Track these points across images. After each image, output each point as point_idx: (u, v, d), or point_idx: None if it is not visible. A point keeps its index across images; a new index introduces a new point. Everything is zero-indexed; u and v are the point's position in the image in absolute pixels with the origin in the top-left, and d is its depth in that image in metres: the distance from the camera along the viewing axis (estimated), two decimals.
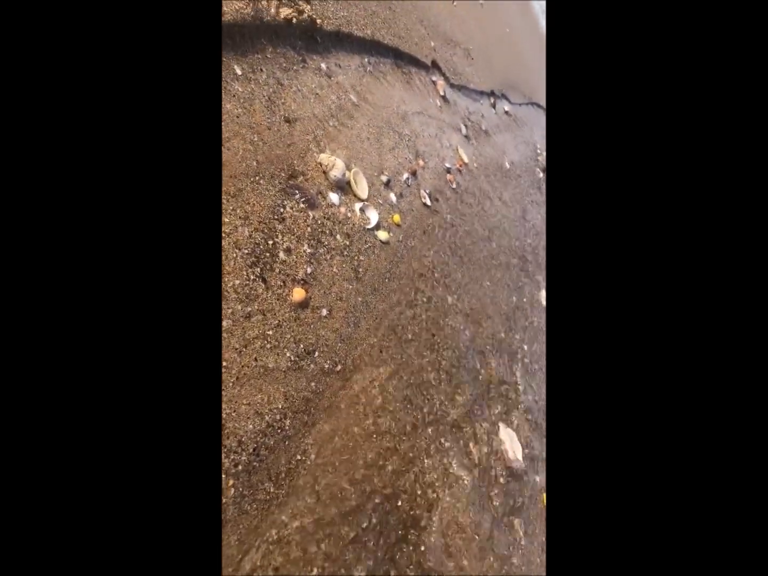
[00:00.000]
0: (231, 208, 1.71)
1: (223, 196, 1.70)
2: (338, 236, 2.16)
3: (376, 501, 1.88)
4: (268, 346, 1.63)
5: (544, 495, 3.62)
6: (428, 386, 2.39)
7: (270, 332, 1.66)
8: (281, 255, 1.82)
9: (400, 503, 1.99)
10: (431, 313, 2.69)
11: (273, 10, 2.26)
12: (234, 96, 1.90)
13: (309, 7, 2.51)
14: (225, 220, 1.69)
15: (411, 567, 1.90)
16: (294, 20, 2.40)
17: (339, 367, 1.91)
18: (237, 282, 1.62)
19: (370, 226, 2.40)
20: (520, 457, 2.84)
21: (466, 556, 2.16)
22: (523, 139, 6.31)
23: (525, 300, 3.98)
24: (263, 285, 1.70)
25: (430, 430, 2.29)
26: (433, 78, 4.05)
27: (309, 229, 2.00)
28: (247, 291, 1.64)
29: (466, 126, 4.37)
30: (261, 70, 2.14)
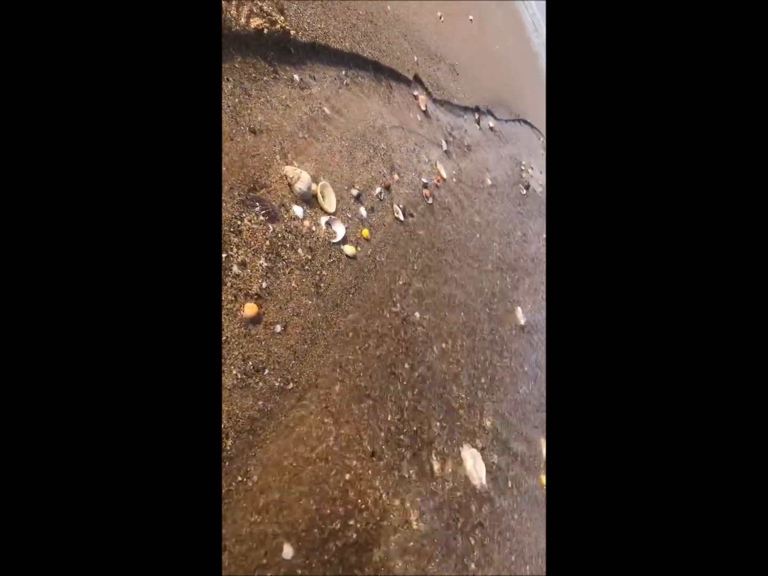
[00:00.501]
0: None
1: None
2: (300, 250, 2.12)
3: (325, 525, 1.83)
4: None
5: (543, 476, 3.60)
6: (389, 405, 2.36)
7: None
8: (234, 269, 1.78)
9: (351, 525, 1.95)
10: (397, 329, 2.65)
11: (243, 20, 2.24)
12: None
13: (282, 18, 2.49)
14: None
15: None
16: (265, 31, 2.38)
17: (291, 386, 1.86)
18: None
19: (335, 240, 2.37)
20: (483, 478, 2.81)
21: None
22: (508, 156, 6.34)
23: (499, 316, 3.96)
24: None
25: (388, 451, 2.25)
26: (415, 92, 4.05)
27: (268, 242, 1.96)
28: None
29: (447, 141, 4.37)
30: (227, 79, 2.11)
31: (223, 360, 1.62)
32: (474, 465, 2.81)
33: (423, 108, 4.08)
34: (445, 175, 4.00)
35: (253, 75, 2.28)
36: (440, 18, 5.22)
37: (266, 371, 1.77)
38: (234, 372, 1.64)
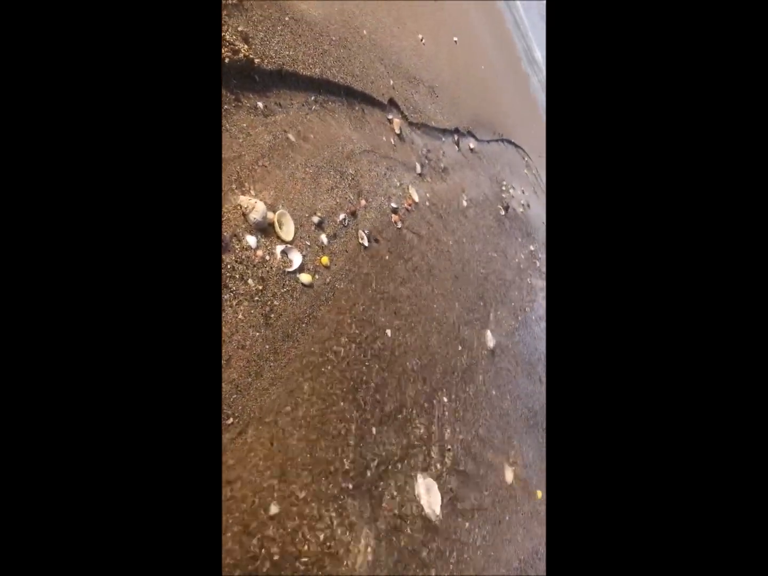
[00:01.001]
0: None
1: None
2: (250, 281, 2.13)
3: (268, 566, 1.82)
4: None
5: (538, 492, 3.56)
6: (338, 439, 2.35)
7: None
8: None
9: (298, 562, 1.94)
10: (355, 358, 2.66)
11: None
12: None
13: (246, 46, 2.51)
14: None
15: None
16: (227, 60, 2.40)
17: (231, 420, 1.86)
18: None
19: (291, 269, 2.38)
20: (437, 508, 2.81)
21: None
22: (488, 176, 6.40)
23: (467, 341, 3.98)
24: None
25: (334, 488, 2.25)
26: (390, 116, 4.08)
27: None
28: None
29: (422, 164, 4.40)
30: None
31: None
32: (428, 495, 2.80)
33: (397, 131, 4.12)
34: (417, 199, 4.03)
35: None
36: (421, 40, 5.29)
37: None
38: None
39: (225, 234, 2.08)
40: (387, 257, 3.29)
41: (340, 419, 2.40)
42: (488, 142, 6.94)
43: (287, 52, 2.87)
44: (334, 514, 2.18)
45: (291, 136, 2.77)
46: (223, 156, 2.23)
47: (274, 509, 1.92)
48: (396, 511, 2.54)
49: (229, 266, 2.05)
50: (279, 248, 2.36)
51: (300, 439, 2.15)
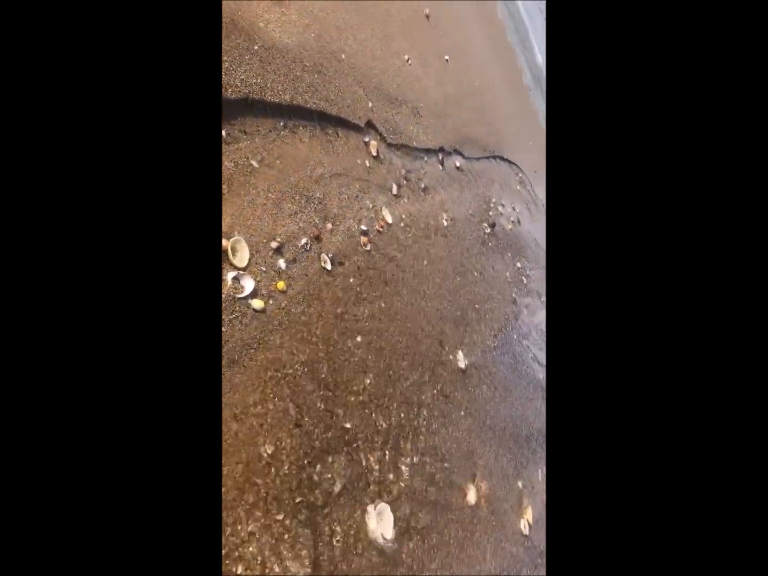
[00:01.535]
0: None
1: None
2: None
3: None
4: None
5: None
6: (286, 466, 2.41)
7: None
8: None
9: None
10: (306, 383, 2.72)
11: None
12: None
13: None
14: None
15: None
16: None
17: None
18: None
19: (242, 295, 2.45)
20: (388, 536, 2.84)
21: None
22: (475, 194, 6.45)
23: (437, 361, 4.03)
24: None
25: (281, 514, 2.31)
26: (366, 138, 4.16)
27: None
28: None
29: (399, 185, 4.47)
30: None
31: None
32: (380, 522, 2.84)
33: (374, 153, 4.19)
34: (390, 220, 4.10)
35: None
36: (407, 61, 5.37)
37: None
38: None
39: None
40: (352, 280, 3.36)
41: (289, 447, 2.46)
42: (478, 159, 6.99)
43: (254, 80, 2.95)
44: (286, 546, 2.24)
45: (254, 163, 2.84)
46: None
47: None
48: (347, 539, 2.59)
49: None
50: (231, 275, 2.43)
51: (238, 473, 2.21)
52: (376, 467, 3.00)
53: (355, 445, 2.88)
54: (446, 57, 6.80)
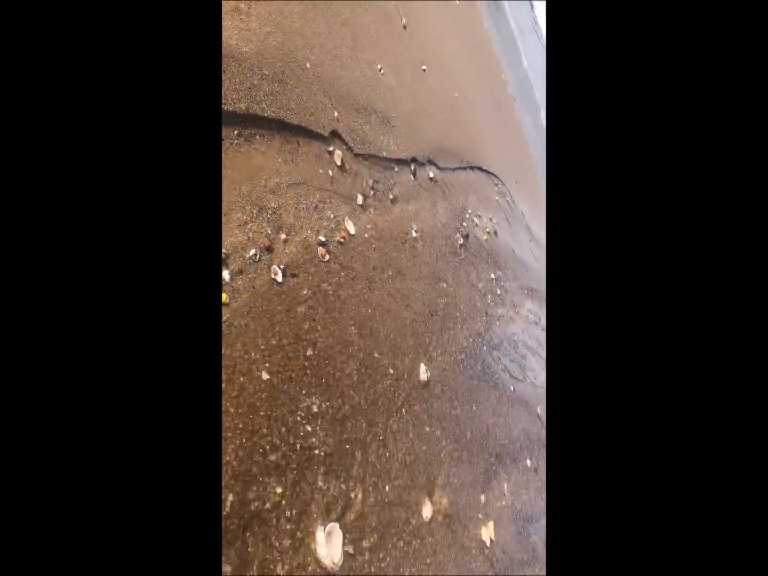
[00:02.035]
0: None
1: None
2: None
3: None
4: None
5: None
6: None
7: None
8: None
9: None
10: (254, 400, 2.67)
11: None
12: None
13: None
14: None
15: None
16: None
17: None
18: None
19: None
20: (338, 559, 2.79)
21: None
22: (448, 205, 6.45)
23: (393, 377, 3.99)
24: None
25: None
26: (330, 148, 4.12)
27: None
28: None
29: (365, 195, 4.44)
30: None
31: None
32: (329, 543, 2.79)
33: (338, 163, 4.16)
34: (353, 231, 4.06)
35: None
36: (380, 71, 5.35)
37: None
38: None
39: None
40: (305, 292, 3.31)
41: (226, 472, 2.41)
42: (453, 170, 6.99)
43: None
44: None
45: None
46: None
47: None
48: (292, 564, 2.53)
49: None
50: None
51: None
52: (325, 486, 2.95)
53: (300, 464, 2.83)
54: (423, 67, 6.81)
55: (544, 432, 7.13)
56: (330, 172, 4.03)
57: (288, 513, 2.66)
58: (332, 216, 3.87)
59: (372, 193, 4.59)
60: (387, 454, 3.57)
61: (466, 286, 6.16)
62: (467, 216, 6.96)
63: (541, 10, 20.40)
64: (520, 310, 7.98)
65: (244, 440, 2.54)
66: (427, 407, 4.31)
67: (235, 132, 3.14)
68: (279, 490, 2.65)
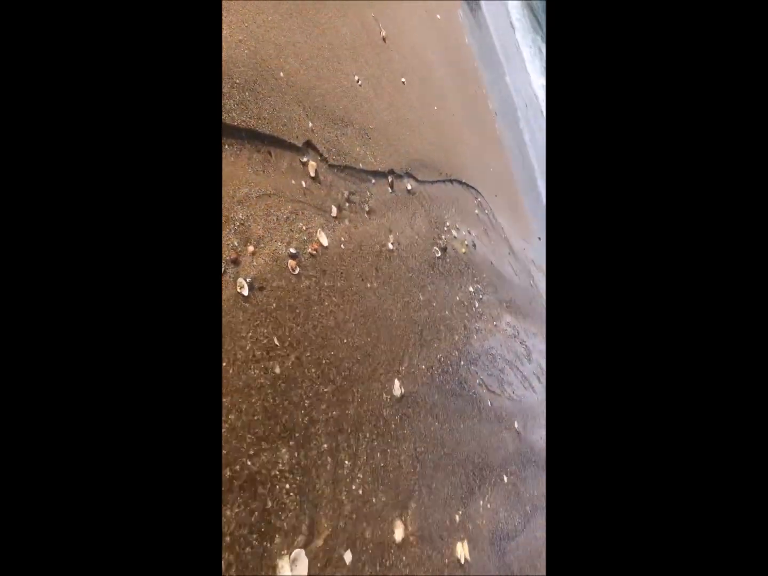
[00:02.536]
0: None
1: None
2: None
3: None
4: None
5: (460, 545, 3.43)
6: None
7: None
8: None
9: None
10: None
11: None
12: None
13: None
14: None
15: None
16: None
17: None
18: None
19: None
20: None
21: None
22: (426, 217, 6.41)
23: (366, 393, 3.90)
24: None
25: None
26: (304, 159, 4.05)
27: None
28: None
29: (340, 207, 4.37)
30: None
31: None
32: (294, 570, 2.68)
33: (312, 174, 4.09)
34: (326, 243, 3.98)
35: None
36: (357, 82, 5.32)
37: None
38: None
39: None
40: (273, 305, 3.21)
41: None
42: (432, 182, 6.98)
43: None
44: None
45: None
46: None
47: None
48: None
49: None
50: None
51: None
52: (291, 509, 2.83)
53: (263, 485, 2.72)
54: (403, 80, 6.80)
55: (521, 447, 7.09)
56: (303, 183, 3.96)
57: (251, 537, 2.55)
58: (304, 228, 3.79)
59: (347, 204, 4.52)
60: (357, 474, 3.47)
61: (444, 299, 6.11)
62: (445, 229, 6.94)
63: (521, 34, 20.85)
64: (498, 324, 7.95)
65: None
66: (400, 424, 4.22)
67: None
68: (241, 515, 2.53)
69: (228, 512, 2.43)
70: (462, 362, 5.99)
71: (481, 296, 7.45)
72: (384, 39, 6.49)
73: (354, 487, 3.40)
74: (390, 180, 5.58)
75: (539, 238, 13.79)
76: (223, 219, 3.03)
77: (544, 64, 21.75)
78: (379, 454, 3.79)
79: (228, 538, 2.39)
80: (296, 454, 3.01)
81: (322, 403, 3.36)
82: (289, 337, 3.27)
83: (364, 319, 4.19)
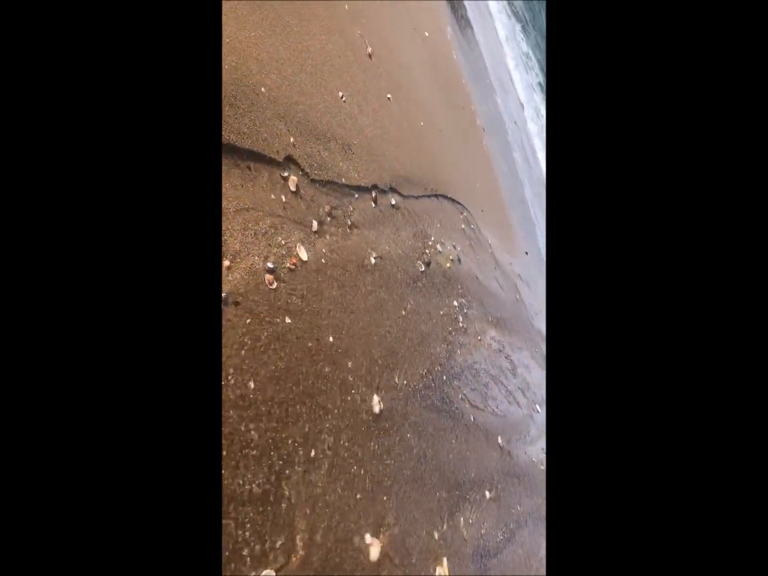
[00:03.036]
0: None
1: None
2: None
3: None
4: None
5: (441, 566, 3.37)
6: None
7: None
8: None
9: None
10: None
11: None
12: None
13: None
14: None
15: None
16: None
17: None
18: None
19: None
20: None
21: None
22: (410, 232, 6.44)
23: (342, 409, 3.88)
24: None
25: None
26: (285, 173, 4.07)
27: None
28: None
29: (321, 222, 4.38)
30: None
31: None
32: None
33: (293, 189, 4.10)
34: (305, 258, 3.98)
35: None
36: (341, 98, 5.36)
37: None
38: None
39: None
40: (248, 320, 3.20)
41: None
42: (417, 197, 7.02)
43: None
44: None
45: None
46: None
47: None
48: None
49: None
50: None
51: None
52: (262, 530, 2.79)
53: (233, 504, 2.68)
54: (389, 96, 6.87)
55: (505, 462, 7.07)
56: (283, 198, 3.96)
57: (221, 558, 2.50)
58: (283, 242, 3.78)
59: (329, 219, 4.53)
60: (331, 493, 3.43)
61: (427, 313, 6.12)
62: (430, 243, 6.97)
63: (510, 50, 21.17)
64: (483, 338, 7.96)
65: None
66: (377, 440, 4.19)
67: None
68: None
69: None
70: (445, 377, 5.97)
71: (465, 311, 7.47)
72: (370, 56, 6.56)
73: (327, 507, 3.36)
74: (374, 195, 5.60)
75: (526, 253, 13.88)
76: None
77: (532, 81, 22.08)
78: (354, 471, 3.76)
79: None
80: (267, 472, 2.97)
81: (297, 420, 3.33)
82: (266, 353, 3.24)
83: (343, 334, 4.18)
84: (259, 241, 3.53)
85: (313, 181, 4.45)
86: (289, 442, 3.21)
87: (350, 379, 4.07)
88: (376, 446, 4.15)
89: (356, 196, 5.21)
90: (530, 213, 16.59)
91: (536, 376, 10.22)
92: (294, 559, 2.98)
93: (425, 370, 5.55)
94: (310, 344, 3.71)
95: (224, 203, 3.30)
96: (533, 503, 7.35)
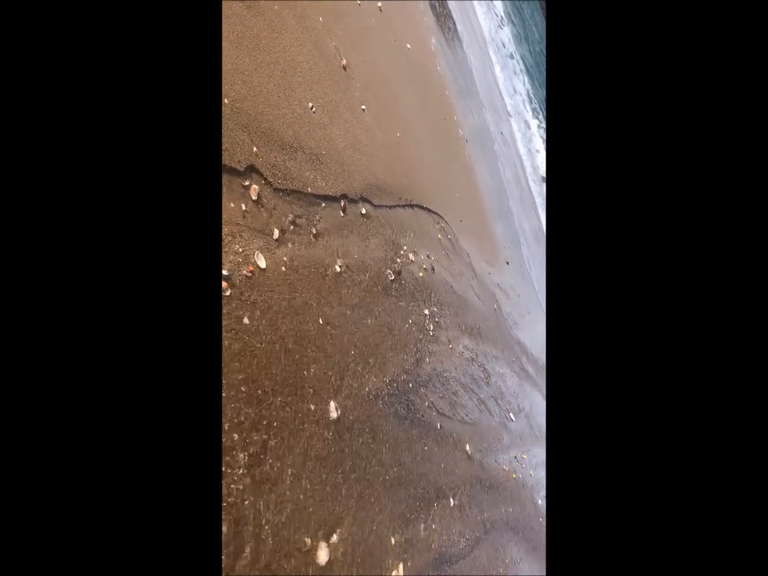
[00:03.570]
0: None
1: None
2: None
3: None
4: None
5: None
6: None
7: None
8: None
9: None
10: None
11: None
12: None
13: None
14: None
15: None
16: None
17: None
18: None
19: None
20: None
21: None
22: (381, 241, 6.54)
23: (300, 416, 3.95)
24: None
25: None
26: (246, 183, 4.15)
27: None
28: None
29: (283, 230, 4.46)
30: None
31: None
32: None
33: (254, 197, 4.18)
34: (263, 265, 4.06)
35: None
36: (311, 108, 5.47)
37: None
38: None
39: None
40: None
41: None
42: (390, 207, 7.12)
43: None
44: None
45: None
46: None
47: None
48: None
49: None
50: None
51: None
52: None
53: None
54: (363, 107, 6.98)
55: (472, 470, 7.14)
56: (243, 207, 4.05)
57: None
58: (240, 250, 3.86)
59: (291, 227, 4.61)
60: (283, 499, 3.50)
61: (395, 321, 6.21)
62: (402, 252, 7.07)
63: (498, 61, 21.40)
64: (454, 347, 8.06)
65: None
66: (333, 446, 4.26)
67: None
68: None
69: None
70: (411, 385, 6.06)
71: (437, 319, 7.56)
72: (344, 67, 6.68)
73: (279, 511, 3.43)
74: (342, 204, 5.70)
75: (507, 263, 13.98)
76: None
77: (521, 90, 22.34)
78: (306, 477, 3.83)
79: None
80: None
81: (251, 427, 3.40)
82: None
83: (301, 341, 4.26)
84: None
85: (276, 190, 4.54)
86: (238, 451, 3.27)
87: (304, 385, 4.14)
88: (333, 451, 4.22)
89: (323, 205, 5.30)
90: (515, 223, 16.71)
91: (511, 384, 10.32)
92: (240, 559, 3.04)
93: (390, 378, 5.63)
94: (265, 351, 3.79)
95: None
96: (500, 511, 7.43)
